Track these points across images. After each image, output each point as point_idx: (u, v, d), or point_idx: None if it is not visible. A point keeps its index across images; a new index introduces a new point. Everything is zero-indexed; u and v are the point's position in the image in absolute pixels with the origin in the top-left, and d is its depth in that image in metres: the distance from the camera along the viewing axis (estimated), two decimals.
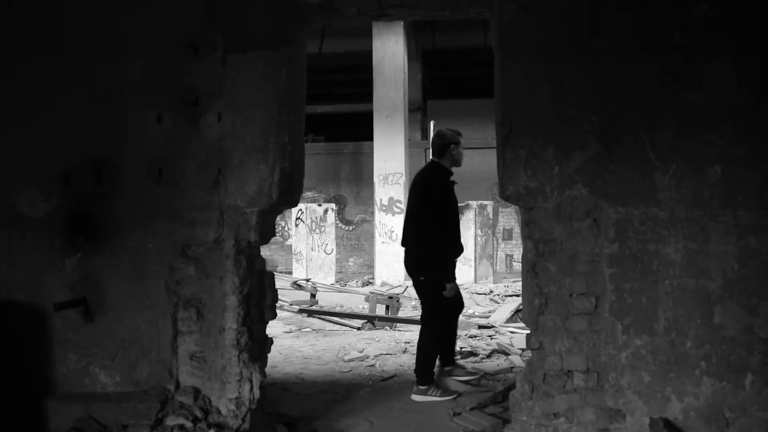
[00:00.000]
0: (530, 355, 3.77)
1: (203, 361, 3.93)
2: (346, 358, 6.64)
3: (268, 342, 4.18)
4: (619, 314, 3.61)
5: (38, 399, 3.95)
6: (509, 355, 6.48)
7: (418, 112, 18.95)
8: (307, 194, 19.00)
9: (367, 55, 14.90)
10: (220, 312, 3.89)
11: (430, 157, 5.40)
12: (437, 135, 5.33)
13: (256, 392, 3.89)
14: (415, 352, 5.27)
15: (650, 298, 3.59)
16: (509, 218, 18.90)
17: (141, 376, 4.01)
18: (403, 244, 5.27)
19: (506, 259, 18.85)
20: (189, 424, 3.72)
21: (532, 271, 3.69)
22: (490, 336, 7.59)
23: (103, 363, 4.03)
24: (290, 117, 3.95)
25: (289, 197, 4.07)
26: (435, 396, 4.94)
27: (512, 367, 5.98)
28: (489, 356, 6.49)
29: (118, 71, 4.03)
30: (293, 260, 15.67)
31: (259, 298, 4.05)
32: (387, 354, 6.57)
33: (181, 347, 3.97)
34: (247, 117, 3.87)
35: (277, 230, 19.27)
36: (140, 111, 4.00)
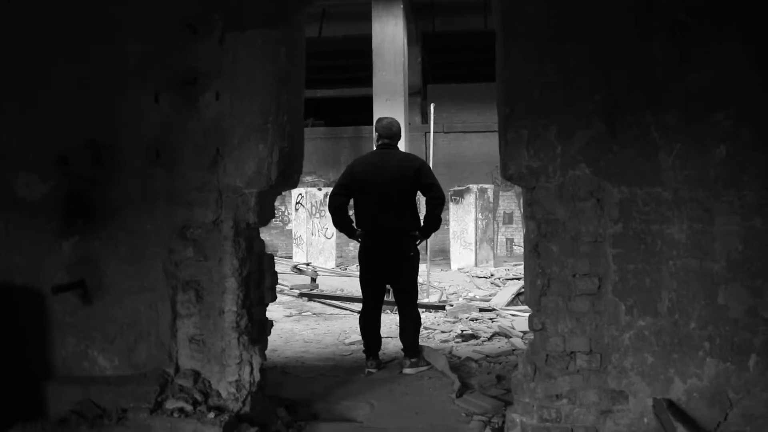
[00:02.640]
0: (533, 336, 3.74)
1: (203, 344, 3.90)
2: (346, 341, 6.64)
3: (268, 325, 4.15)
4: (622, 295, 3.57)
5: (37, 382, 3.92)
6: (510, 337, 6.47)
7: (418, 96, 18.94)
8: (307, 179, 19.05)
9: (367, 39, 14.83)
10: (219, 294, 3.85)
11: (382, 144, 5.48)
12: (393, 123, 5.53)
13: (257, 375, 3.86)
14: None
15: (654, 278, 3.55)
16: (510, 202, 18.92)
17: (140, 359, 3.98)
18: (382, 230, 5.24)
19: (507, 243, 18.87)
20: (189, 408, 3.70)
21: (534, 251, 3.65)
22: (491, 319, 7.58)
23: (102, 346, 4.00)
24: (289, 97, 3.89)
25: (289, 178, 4.03)
26: (422, 367, 5.24)
27: (514, 350, 5.97)
28: (490, 339, 6.49)
29: (116, 52, 3.97)
30: (293, 245, 15.68)
31: (259, 280, 4.02)
32: (387, 337, 6.55)
33: (180, 330, 3.93)
34: (246, 96, 3.81)
35: (277, 215, 19.43)
36: (138, 92, 3.94)
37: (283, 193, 18.74)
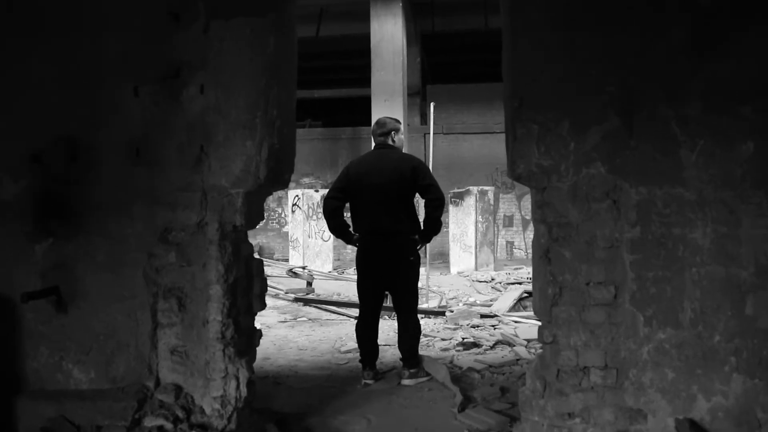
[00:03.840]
0: (542, 349, 3.46)
1: (185, 356, 3.62)
2: (342, 349, 6.38)
3: (256, 335, 3.87)
4: (640, 305, 3.29)
5: (7, 397, 3.64)
6: (514, 346, 6.20)
7: (417, 96, 18.73)
8: (305, 180, 18.90)
9: (365, 39, 14.59)
10: (203, 302, 3.58)
11: (377, 143, 5.26)
12: (383, 120, 5.33)
13: (243, 390, 3.58)
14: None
15: (675, 287, 3.27)
16: (510, 204, 18.74)
17: (118, 372, 3.70)
18: (379, 233, 4.97)
19: (507, 246, 18.68)
20: (169, 425, 3.41)
21: (545, 257, 3.36)
22: (493, 326, 7.30)
23: (77, 358, 3.72)
24: (280, 90, 3.60)
25: (279, 177, 3.74)
26: (422, 378, 5.02)
27: (518, 359, 5.71)
28: (493, 347, 6.21)
29: (92, 42, 3.69)
30: (290, 247, 15.46)
31: (247, 287, 3.74)
32: (385, 345, 6.28)
33: (161, 341, 3.65)
34: (232, 89, 3.54)
35: (273, 217, 19.38)
36: (116, 85, 3.66)
37: (280, 195, 18.60)
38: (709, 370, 3.25)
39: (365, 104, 15.04)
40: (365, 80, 15.01)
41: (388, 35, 14.02)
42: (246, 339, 3.72)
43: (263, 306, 3.88)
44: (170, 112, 3.60)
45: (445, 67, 21.11)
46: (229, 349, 3.57)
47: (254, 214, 3.70)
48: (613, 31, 3.31)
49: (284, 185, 3.89)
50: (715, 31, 3.25)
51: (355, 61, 17.90)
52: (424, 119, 18.70)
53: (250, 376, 3.62)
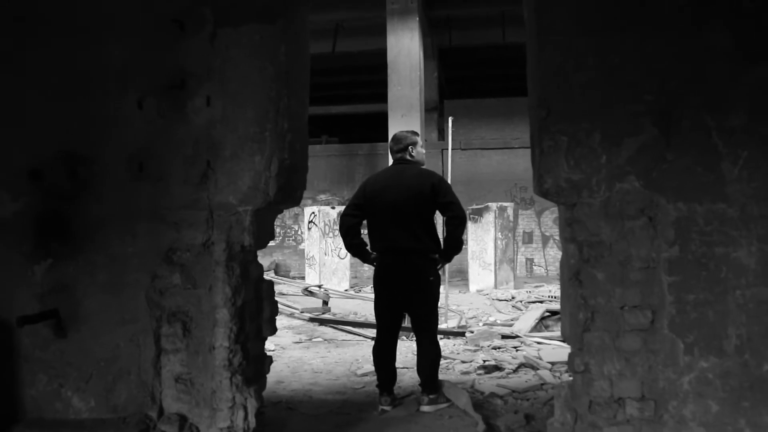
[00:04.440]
0: (572, 378, 3.20)
1: (190, 384, 3.41)
2: (359, 372, 6.13)
3: (266, 361, 3.65)
4: (680, 331, 3.03)
5: (3, 426, 3.44)
6: (538, 369, 5.91)
7: (434, 112, 18.58)
8: (321, 197, 18.78)
9: (382, 55, 14.45)
10: (209, 327, 3.37)
11: (395, 159, 5.02)
12: (399, 134, 5.11)
13: (251, 421, 3.36)
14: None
15: (718, 311, 3.01)
16: (530, 221, 18.48)
17: (119, 401, 3.49)
18: (397, 252, 4.76)
19: (527, 263, 18.40)
20: None
21: (575, 279, 3.12)
22: (515, 347, 7.01)
23: (77, 385, 3.52)
24: (291, 101, 3.40)
25: (290, 194, 3.53)
26: (442, 404, 4.79)
27: (542, 384, 5.42)
28: (516, 371, 5.93)
29: (94, 53, 3.53)
30: (306, 265, 15.26)
31: (256, 310, 3.53)
32: (404, 368, 6.03)
33: (165, 368, 3.44)
34: (241, 101, 3.35)
35: (290, 234, 19.24)
36: (119, 97, 3.50)
37: (296, 212, 18.47)
38: (757, 402, 2.99)
39: (382, 120, 14.88)
40: (382, 96, 14.85)
41: (405, 50, 13.84)
42: (255, 366, 3.51)
43: (273, 331, 3.67)
44: (175, 125, 3.42)
45: (462, 82, 20.95)
46: (237, 377, 3.36)
47: (264, 233, 3.49)
48: (648, 33, 3.09)
49: (296, 202, 3.69)
50: (759, 35, 3.01)
51: (371, 76, 17.80)
52: (442, 135, 18.50)
53: (258, 406, 3.39)
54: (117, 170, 3.48)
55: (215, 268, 3.35)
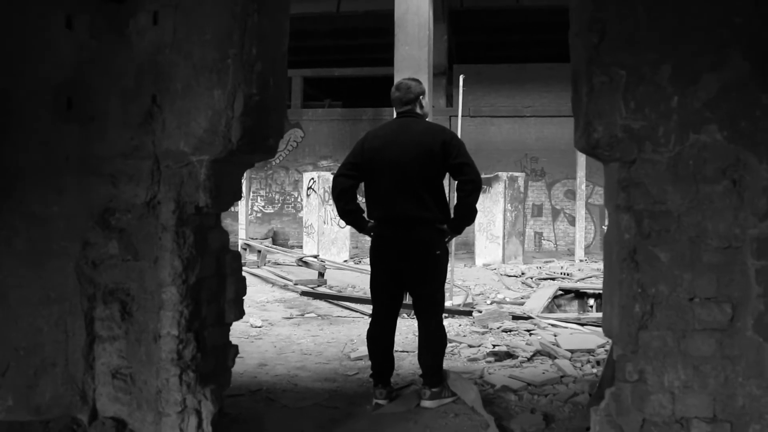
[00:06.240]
0: (615, 388, 2.48)
1: (131, 381, 2.76)
2: (352, 355, 5.52)
3: (230, 353, 2.96)
4: None
5: None
6: (556, 358, 5.24)
7: (443, 77, 18.06)
8: (323, 163, 18.57)
9: (389, 16, 13.77)
10: (154, 310, 2.71)
11: (399, 112, 4.34)
12: (405, 84, 4.38)
13: (207, 429, 2.66)
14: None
15: None
16: (539, 193, 18.10)
17: (42, 400, 2.86)
18: (398, 220, 4.05)
19: (535, 237, 17.97)
20: None
21: (630, 260, 2.39)
22: (528, 331, 6.36)
23: None
24: (262, 20, 2.65)
25: (261, 142, 2.79)
26: (446, 399, 4.24)
27: (562, 376, 4.76)
28: (530, 359, 5.27)
29: None
30: (304, 234, 14.78)
31: (217, 290, 2.84)
32: (403, 351, 5.43)
33: (99, 360, 2.81)
34: (197, 18, 2.67)
35: (289, 201, 18.72)
36: (42, 14, 2.83)
37: (296, 178, 17.99)
38: None
39: (388, 84, 14.19)
40: (388, 60, 14.22)
41: (414, 7, 13.09)
42: (214, 359, 2.82)
43: (240, 314, 2.98)
44: (113, 50, 2.79)
45: (472, 47, 20.46)
46: (188, 374, 2.69)
47: (226, 192, 2.78)
48: None
49: (269, 153, 2.95)
50: None
51: (377, 39, 17.20)
52: (450, 101, 17.95)
53: (215, 411, 2.69)
54: (38, 108, 2.83)
55: (162, 234, 2.67)
